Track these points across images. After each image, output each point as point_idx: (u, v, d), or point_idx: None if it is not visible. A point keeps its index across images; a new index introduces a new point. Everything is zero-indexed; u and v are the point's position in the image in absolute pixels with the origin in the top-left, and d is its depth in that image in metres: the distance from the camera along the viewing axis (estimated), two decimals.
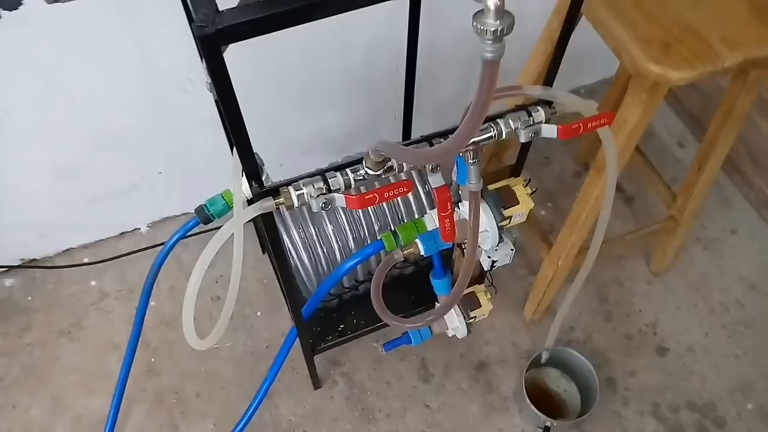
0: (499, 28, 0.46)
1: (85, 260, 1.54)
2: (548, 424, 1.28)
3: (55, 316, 1.47)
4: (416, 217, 1.15)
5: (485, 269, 1.04)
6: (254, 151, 0.91)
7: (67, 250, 1.55)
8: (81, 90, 1.18)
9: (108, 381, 1.36)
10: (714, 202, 1.67)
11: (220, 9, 0.54)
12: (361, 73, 1.42)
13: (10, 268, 1.50)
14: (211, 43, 0.54)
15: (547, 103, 0.80)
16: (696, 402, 1.41)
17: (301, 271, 1.14)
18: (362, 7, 0.57)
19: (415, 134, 1.25)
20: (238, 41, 0.55)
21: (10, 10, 0.62)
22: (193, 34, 0.52)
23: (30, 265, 1.52)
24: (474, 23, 0.47)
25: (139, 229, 1.58)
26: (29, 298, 1.50)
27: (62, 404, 1.37)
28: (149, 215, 1.57)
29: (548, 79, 0.81)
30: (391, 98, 1.49)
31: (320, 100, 1.45)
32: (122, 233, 1.58)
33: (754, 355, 1.46)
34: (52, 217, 1.44)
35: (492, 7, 0.46)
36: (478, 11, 0.47)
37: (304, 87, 1.39)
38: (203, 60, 0.55)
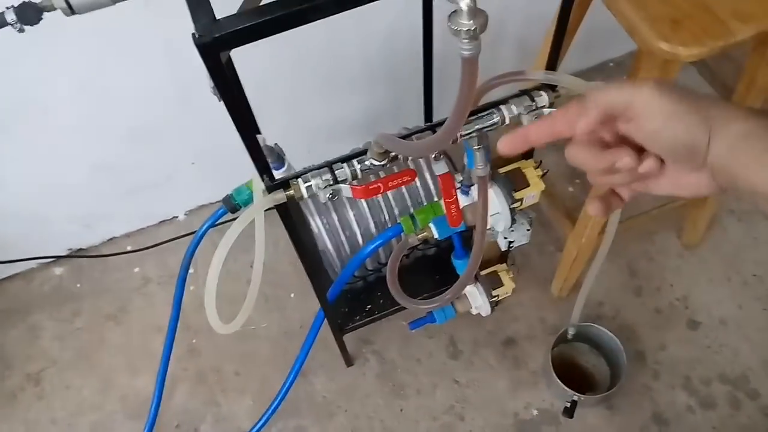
0: (473, 27, 0.48)
1: (129, 248, 1.61)
2: (575, 398, 1.30)
3: (102, 302, 1.56)
4: (435, 200, 1.17)
5: (503, 249, 1.06)
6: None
7: (111, 239, 1.63)
8: (113, 88, 1.24)
9: (152, 361, 1.43)
10: None
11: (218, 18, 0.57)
12: (381, 59, 1.44)
13: (59, 257, 1.60)
14: (210, 51, 0.58)
15: (550, 87, 0.81)
16: (728, 375, 1.40)
17: (326, 256, 1.18)
18: (354, 7, 0.60)
19: (441, 114, 1.27)
20: (236, 47, 0.58)
21: (32, 25, 0.67)
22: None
23: (78, 254, 1.60)
24: (449, 24, 0.49)
25: (177, 217, 1.65)
26: (78, 285, 1.59)
27: (110, 384, 1.46)
28: (186, 204, 1.64)
29: (551, 63, 0.82)
30: (414, 82, 1.50)
31: (343, 87, 1.48)
32: (162, 221, 1.65)
33: None
34: (95, 209, 1.52)
35: (465, 8, 0.48)
36: (453, 12, 0.49)
37: (326, 74, 1.41)
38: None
